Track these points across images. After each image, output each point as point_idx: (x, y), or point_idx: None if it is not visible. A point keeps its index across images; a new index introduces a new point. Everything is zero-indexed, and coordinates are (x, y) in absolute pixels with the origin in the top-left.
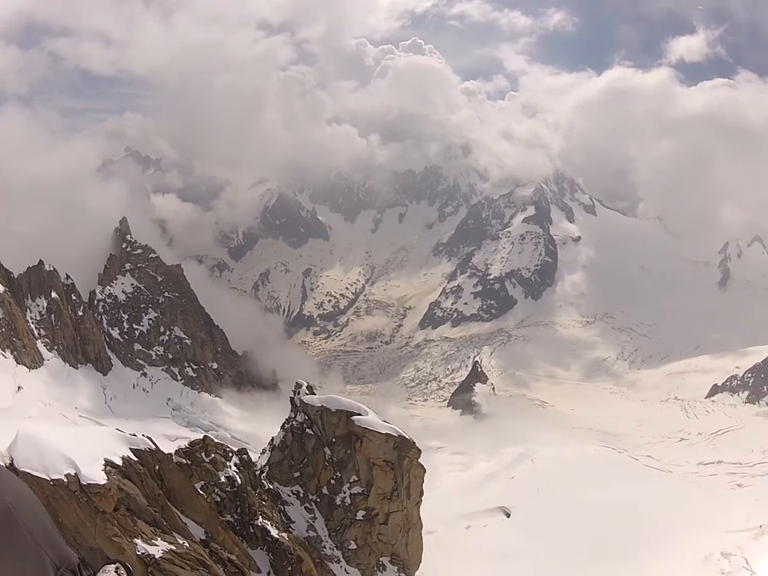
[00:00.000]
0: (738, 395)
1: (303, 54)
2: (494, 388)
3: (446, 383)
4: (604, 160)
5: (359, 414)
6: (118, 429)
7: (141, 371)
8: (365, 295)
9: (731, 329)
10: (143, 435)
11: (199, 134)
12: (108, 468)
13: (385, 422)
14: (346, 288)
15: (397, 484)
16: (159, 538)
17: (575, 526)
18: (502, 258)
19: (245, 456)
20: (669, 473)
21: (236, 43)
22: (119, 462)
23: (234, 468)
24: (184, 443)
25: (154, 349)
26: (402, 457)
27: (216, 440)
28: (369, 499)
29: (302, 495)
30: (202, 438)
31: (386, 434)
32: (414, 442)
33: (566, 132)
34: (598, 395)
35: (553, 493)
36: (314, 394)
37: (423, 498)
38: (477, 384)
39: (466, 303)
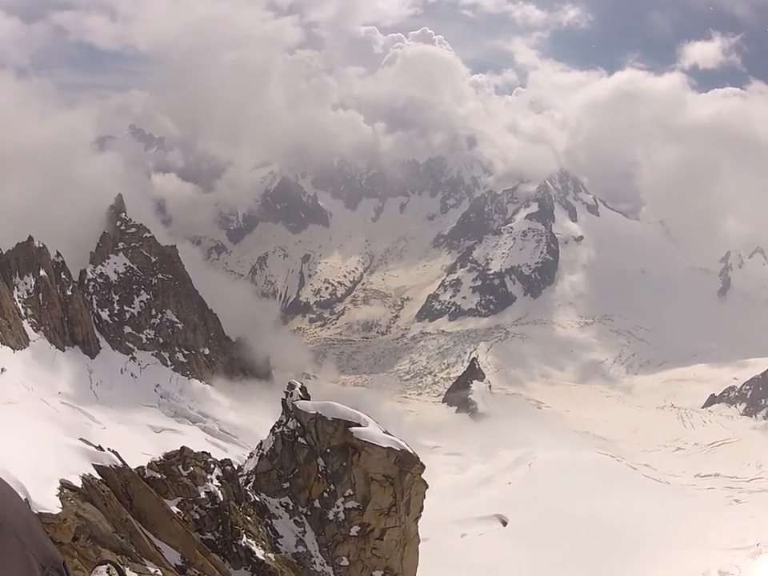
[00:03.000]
0: (736, 407)
1: (311, 37)
2: (490, 386)
3: (441, 378)
4: (609, 161)
5: (358, 425)
6: (81, 438)
7: (130, 355)
8: (362, 284)
9: (729, 339)
10: (109, 449)
11: (203, 113)
12: (65, 491)
13: (386, 433)
14: (344, 276)
15: (396, 500)
16: (128, 568)
17: (572, 537)
18: (503, 253)
19: (228, 467)
20: (666, 483)
21: (243, 21)
22: (78, 484)
23: (215, 481)
24: (159, 455)
25: (144, 332)
26: (404, 472)
27: (203, 432)
28: (365, 515)
29: (291, 508)
30: (179, 449)
31: (388, 447)
32: (418, 457)
33: (572, 130)
34: (593, 398)
35: (550, 501)
36: (308, 396)
37: None
38: (474, 381)
39: (464, 297)
